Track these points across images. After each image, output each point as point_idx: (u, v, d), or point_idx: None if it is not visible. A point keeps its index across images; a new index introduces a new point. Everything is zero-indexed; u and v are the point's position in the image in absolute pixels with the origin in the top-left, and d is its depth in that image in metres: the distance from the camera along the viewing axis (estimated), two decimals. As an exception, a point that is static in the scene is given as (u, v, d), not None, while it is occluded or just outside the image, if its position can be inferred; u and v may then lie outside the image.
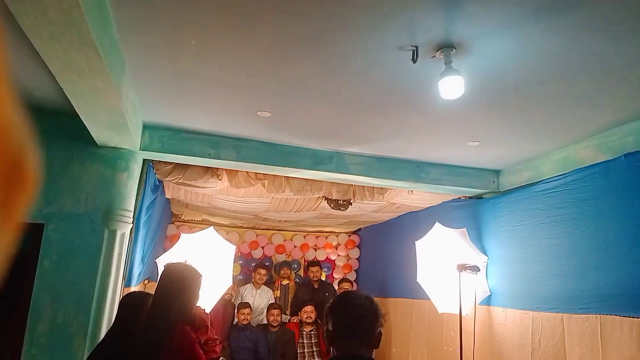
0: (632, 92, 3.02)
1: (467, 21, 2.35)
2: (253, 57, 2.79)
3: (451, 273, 4.68)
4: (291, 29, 2.48)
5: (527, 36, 2.46)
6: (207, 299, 4.59)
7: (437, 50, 2.57)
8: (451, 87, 2.61)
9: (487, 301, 4.78)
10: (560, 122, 3.58)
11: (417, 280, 5.07)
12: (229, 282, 4.83)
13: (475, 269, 4.63)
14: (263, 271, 6.97)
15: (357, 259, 8.43)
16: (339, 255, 8.38)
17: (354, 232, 8.53)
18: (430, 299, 5.07)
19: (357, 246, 8.46)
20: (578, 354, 3.62)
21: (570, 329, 3.74)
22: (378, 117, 3.66)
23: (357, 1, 2.22)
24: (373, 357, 1.73)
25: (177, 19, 2.44)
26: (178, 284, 2.41)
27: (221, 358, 4.33)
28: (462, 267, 4.63)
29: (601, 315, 3.47)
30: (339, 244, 8.40)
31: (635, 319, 3.20)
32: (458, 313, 4.62)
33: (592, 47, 2.53)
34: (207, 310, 4.62)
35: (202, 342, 2.95)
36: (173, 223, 7.43)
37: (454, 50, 2.55)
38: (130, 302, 2.60)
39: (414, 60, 2.59)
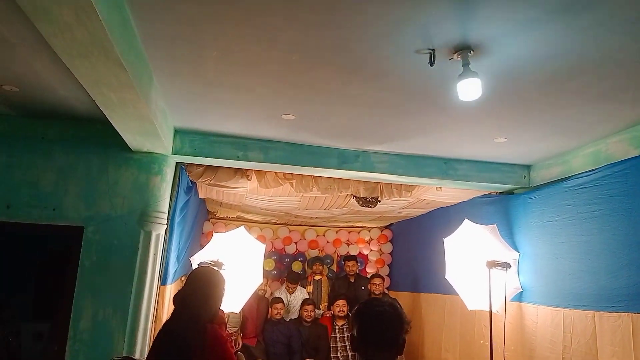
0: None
1: (483, 23, 2.35)
2: (273, 64, 2.86)
3: (481, 270, 4.63)
4: (309, 38, 2.54)
5: (546, 36, 2.43)
6: (238, 296, 4.74)
7: (455, 53, 2.57)
8: (469, 89, 2.61)
9: (519, 298, 4.71)
10: (588, 117, 3.50)
11: (446, 277, 5.06)
12: (259, 280, 4.94)
13: (505, 265, 4.56)
14: (293, 286, 7.00)
15: (389, 253, 8.42)
16: (371, 250, 8.39)
17: (386, 227, 8.51)
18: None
19: (389, 241, 8.44)
20: (610, 352, 3.55)
21: (602, 327, 3.66)
22: (401, 117, 3.67)
23: (371, 9, 2.25)
24: None
25: (199, 33, 2.54)
26: (206, 289, 2.47)
27: (238, 353, 4.47)
28: (492, 264, 4.57)
29: (633, 314, 3.39)
30: (372, 239, 8.40)
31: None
32: (488, 310, 4.58)
33: (613, 44, 2.48)
34: (239, 307, 4.77)
35: None
36: (209, 220, 7.63)
37: (471, 52, 2.54)
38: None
39: (431, 64, 2.60)
